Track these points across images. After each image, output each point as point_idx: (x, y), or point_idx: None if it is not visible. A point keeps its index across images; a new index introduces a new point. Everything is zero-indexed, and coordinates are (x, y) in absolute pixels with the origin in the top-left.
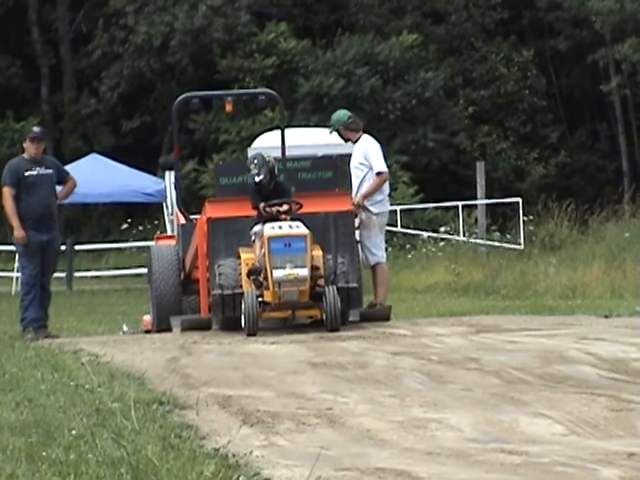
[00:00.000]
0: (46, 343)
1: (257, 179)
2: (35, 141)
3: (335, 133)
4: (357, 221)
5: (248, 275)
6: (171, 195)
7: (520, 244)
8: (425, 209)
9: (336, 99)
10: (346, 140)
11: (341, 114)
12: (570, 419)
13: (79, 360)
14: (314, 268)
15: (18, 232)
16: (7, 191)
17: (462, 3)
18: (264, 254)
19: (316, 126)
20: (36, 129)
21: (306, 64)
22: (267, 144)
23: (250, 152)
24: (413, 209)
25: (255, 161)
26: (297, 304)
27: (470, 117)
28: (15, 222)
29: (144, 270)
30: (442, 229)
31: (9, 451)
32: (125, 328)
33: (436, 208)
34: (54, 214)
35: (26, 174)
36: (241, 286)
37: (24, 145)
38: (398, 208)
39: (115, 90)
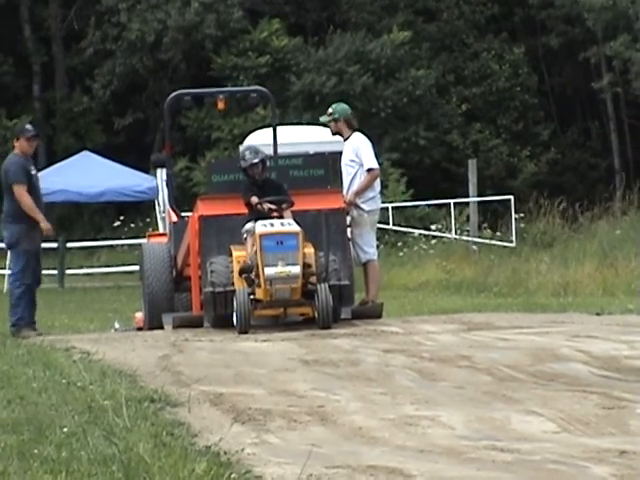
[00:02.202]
0: (38, 340)
1: (255, 161)
2: (33, 139)
3: (327, 122)
4: (349, 219)
5: (240, 273)
6: (163, 193)
7: (512, 241)
8: (417, 207)
9: (328, 97)
10: (334, 133)
11: (345, 106)
12: (562, 417)
13: (71, 358)
14: (306, 266)
15: (46, 224)
16: (22, 188)
17: (453, 0)
18: (256, 252)
19: (308, 124)
20: (30, 127)
21: (298, 62)
22: (259, 141)
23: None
24: (405, 207)
25: (249, 149)
26: (289, 302)
27: (462, 114)
28: (40, 216)
29: (136, 267)
30: (434, 227)
31: (1, 449)
32: (117, 325)
33: (428, 206)
34: None
35: (32, 172)
36: (233, 284)
37: (17, 143)
38: (390, 206)
39: (107, 87)
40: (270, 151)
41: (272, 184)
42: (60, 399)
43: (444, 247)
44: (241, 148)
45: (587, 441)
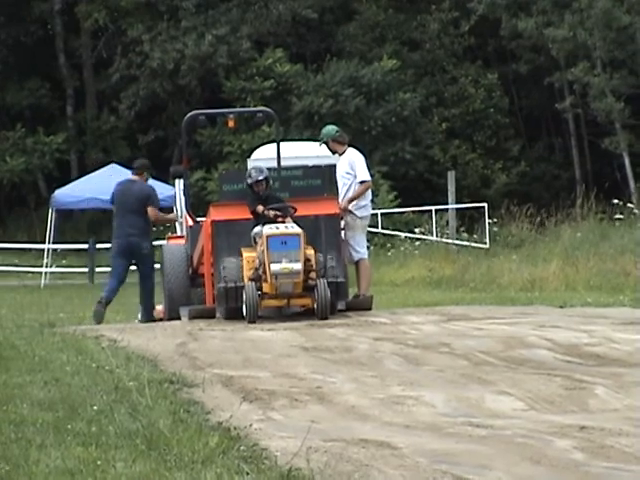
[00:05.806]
0: (71, 329)
1: (260, 178)
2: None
3: (324, 145)
4: (343, 223)
5: (250, 280)
6: (180, 200)
7: (486, 243)
8: (403, 213)
9: (325, 117)
10: (333, 152)
11: (330, 128)
12: (529, 396)
13: (100, 344)
14: (306, 263)
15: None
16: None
17: (435, 32)
18: (263, 251)
19: (307, 140)
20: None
21: (299, 86)
22: (264, 155)
23: (250, 162)
24: (392, 213)
25: (254, 169)
26: (292, 294)
27: (443, 132)
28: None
29: (157, 266)
30: (417, 230)
31: (39, 424)
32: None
33: (412, 212)
34: None
35: None
36: (242, 280)
37: (144, 175)
38: (379, 212)
39: (132, 108)
40: (274, 164)
41: (273, 197)
42: (90, 381)
43: (427, 248)
44: (248, 165)
45: (551, 418)
